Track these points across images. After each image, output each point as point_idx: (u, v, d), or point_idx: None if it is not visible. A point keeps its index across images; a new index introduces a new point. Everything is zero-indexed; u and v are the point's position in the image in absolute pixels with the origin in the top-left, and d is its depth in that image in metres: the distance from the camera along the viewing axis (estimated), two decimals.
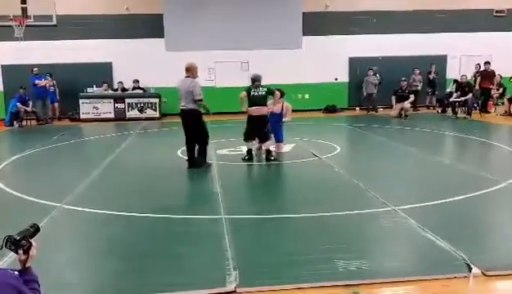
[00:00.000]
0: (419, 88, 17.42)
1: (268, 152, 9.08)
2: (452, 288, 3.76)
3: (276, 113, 9.63)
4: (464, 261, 4.12)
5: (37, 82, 15.88)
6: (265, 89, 8.94)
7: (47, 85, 16.28)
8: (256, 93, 8.86)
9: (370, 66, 17.43)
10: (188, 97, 8.15)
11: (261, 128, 8.92)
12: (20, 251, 2.24)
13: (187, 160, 8.50)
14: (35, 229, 2.34)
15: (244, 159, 9.00)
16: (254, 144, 9.17)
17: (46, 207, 6.08)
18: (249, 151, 9.08)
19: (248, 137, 9.05)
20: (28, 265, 2.28)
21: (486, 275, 3.92)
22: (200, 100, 8.17)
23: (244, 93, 8.92)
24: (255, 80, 9.06)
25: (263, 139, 9.05)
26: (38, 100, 15.96)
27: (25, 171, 9.13)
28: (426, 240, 4.70)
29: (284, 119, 9.82)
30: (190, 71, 8.23)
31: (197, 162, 8.39)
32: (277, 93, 9.33)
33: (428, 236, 4.76)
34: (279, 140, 9.82)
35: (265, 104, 8.99)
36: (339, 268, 4.07)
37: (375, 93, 17.25)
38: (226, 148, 9.72)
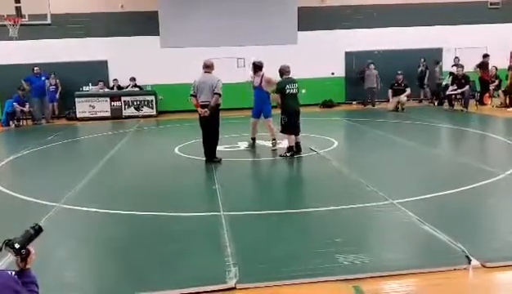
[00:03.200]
0: (445, 83, 16.70)
1: (298, 144, 8.98)
2: (452, 280, 3.77)
3: (256, 86, 9.54)
4: (463, 253, 4.12)
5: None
6: (297, 85, 8.89)
7: (49, 84, 16.28)
8: (292, 90, 8.78)
9: (366, 60, 17.41)
10: (210, 92, 8.31)
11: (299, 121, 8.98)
12: (18, 259, 2.24)
13: (205, 155, 8.55)
14: (36, 231, 2.31)
15: (288, 156, 8.76)
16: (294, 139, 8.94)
17: (44, 206, 6.06)
18: (292, 147, 8.83)
19: (297, 130, 8.91)
20: (26, 267, 2.27)
21: (485, 267, 3.93)
22: (219, 95, 8.31)
23: (276, 96, 8.86)
24: (285, 72, 8.96)
25: (299, 131, 9.02)
26: (36, 99, 15.89)
27: (23, 171, 9.10)
28: (425, 233, 4.71)
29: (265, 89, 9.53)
30: (210, 67, 8.55)
31: (209, 156, 8.51)
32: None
33: (428, 229, 4.76)
34: (268, 115, 9.62)
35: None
36: (339, 262, 4.07)
37: (376, 87, 17.22)
38: (223, 145, 9.72)
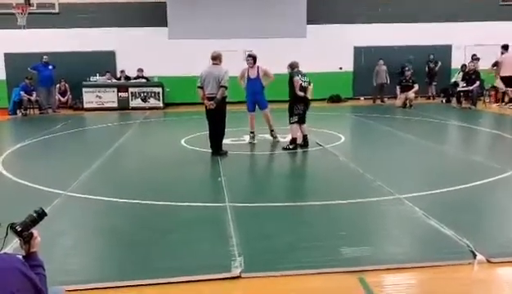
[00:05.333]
0: (454, 80, 16.62)
1: (305, 137, 9.01)
2: (456, 275, 3.76)
3: (252, 78, 9.51)
4: (468, 248, 4.10)
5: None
6: (307, 79, 8.92)
7: (59, 88, 16.45)
8: (305, 83, 8.81)
9: (374, 55, 17.34)
10: (216, 84, 8.27)
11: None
12: (22, 242, 2.25)
13: (211, 148, 8.53)
14: (39, 214, 2.31)
15: (291, 148, 8.78)
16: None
17: (50, 194, 6.09)
18: (295, 139, 8.88)
19: (304, 120, 8.95)
20: (33, 250, 2.28)
21: (490, 262, 3.91)
22: (225, 87, 8.25)
23: (297, 78, 8.79)
24: (295, 66, 8.98)
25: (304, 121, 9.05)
26: (43, 88, 15.94)
27: (29, 159, 9.14)
28: (431, 228, 4.69)
29: (264, 83, 9.61)
30: (218, 59, 8.47)
31: (215, 149, 8.48)
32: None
33: (433, 224, 4.75)
34: (264, 106, 9.65)
35: None
36: (344, 255, 4.07)
37: (386, 82, 17.15)
38: (229, 138, 9.72)
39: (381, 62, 17.12)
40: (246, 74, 9.62)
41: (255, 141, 9.70)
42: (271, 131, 9.75)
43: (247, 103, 9.81)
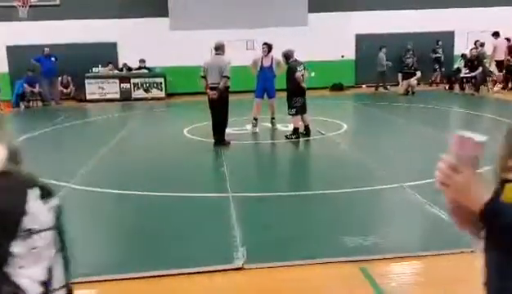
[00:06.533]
0: (456, 66, 16.63)
1: (307, 127, 9.03)
2: (460, 263, 3.77)
3: (265, 66, 9.65)
4: (471, 236, 4.10)
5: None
6: (303, 66, 8.90)
7: (61, 81, 16.44)
8: (301, 72, 8.80)
9: (376, 43, 17.22)
10: (218, 74, 8.28)
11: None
12: None
13: (214, 138, 8.54)
14: None
15: (294, 138, 8.77)
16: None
17: (54, 186, 6.08)
18: (297, 129, 8.87)
19: (305, 111, 8.95)
20: None
21: None
22: (227, 77, 8.27)
23: (299, 74, 8.77)
24: (291, 55, 8.95)
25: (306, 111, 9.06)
26: (45, 79, 15.94)
27: (33, 152, 9.13)
28: (434, 216, 4.70)
29: (277, 73, 9.72)
30: (221, 48, 8.51)
31: (218, 139, 8.49)
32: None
33: (436, 212, 4.75)
34: (273, 95, 9.80)
35: None
36: (347, 244, 4.09)
37: (386, 69, 17.05)
38: (232, 127, 9.72)
39: (383, 50, 17.00)
40: (260, 63, 9.78)
41: (257, 130, 9.72)
42: (272, 118, 9.92)
43: (256, 90, 9.89)
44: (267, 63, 9.70)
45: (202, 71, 8.52)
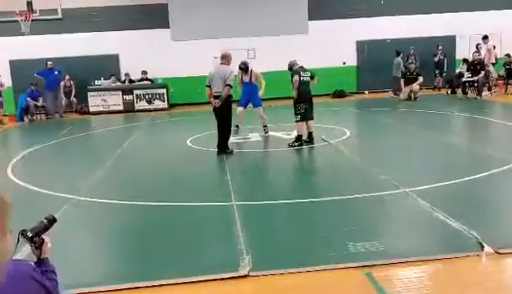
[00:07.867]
0: (458, 70, 16.62)
1: (310, 134, 9.07)
2: (465, 267, 3.77)
3: (246, 82, 10.33)
4: (476, 240, 4.11)
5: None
6: (309, 73, 9.04)
7: (64, 85, 16.45)
8: (306, 78, 8.94)
9: (378, 49, 17.26)
10: (221, 83, 8.38)
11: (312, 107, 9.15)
12: (33, 247, 2.29)
13: (217, 146, 8.58)
14: (49, 221, 2.34)
15: (296, 145, 8.82)
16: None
17: (60, 199, 6.15)
18: (301, 136, 8.93)
19: (310, 117, 9.00)
20: (44, 256, 2.32)
21: (498, 253, 3.92)
22: (230, 86, 8.37)
23: (297, 78, 8.86)
24: (293, 66, 9.15)
25: (312, 116, 9.15)
26: (49, 93, 16.04)
27: (38, 165, 9.22)
28: (438, 220, 4.70)
29: (260, 93, 10.36)
30: (226, 58, 8.62)
31: (220, 148, 8.53)
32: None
33: (441, 216, 4.75)
34: (258, 104, 10.33)
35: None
36: (352, 250, 4.08)
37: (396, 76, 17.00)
38: (235, 136, 9.75)
39: (401, 55, 16.82)
40: (240, 78, 10.45)
41: (240, 136, 10.16)
42: (264, 126, 10.28)
43: (240, 100, 10.56)
44: (246, 79, 10.38)
45: (207, 80, 8.61)
